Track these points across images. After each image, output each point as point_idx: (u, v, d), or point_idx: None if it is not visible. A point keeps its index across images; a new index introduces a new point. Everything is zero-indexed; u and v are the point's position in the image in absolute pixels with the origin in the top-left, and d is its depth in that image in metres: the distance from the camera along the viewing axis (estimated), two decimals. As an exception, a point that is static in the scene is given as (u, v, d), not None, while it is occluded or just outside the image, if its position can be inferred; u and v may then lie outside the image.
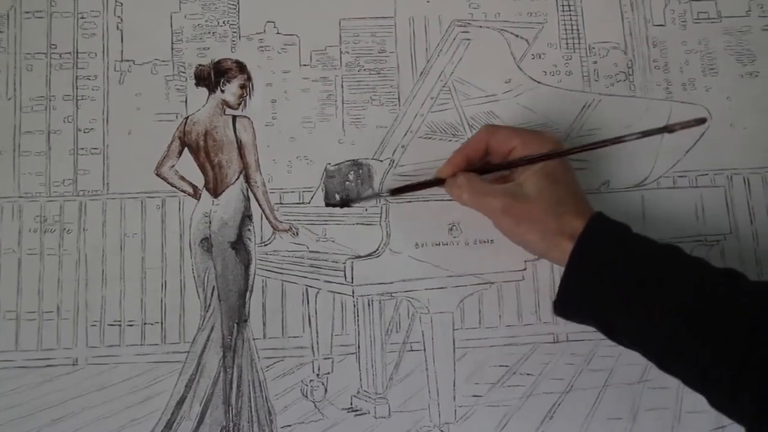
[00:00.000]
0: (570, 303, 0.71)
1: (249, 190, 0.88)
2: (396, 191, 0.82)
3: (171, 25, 0.91)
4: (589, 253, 0.68)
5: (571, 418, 0.82)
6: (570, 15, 0.92)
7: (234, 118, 0.88)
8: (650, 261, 0.67)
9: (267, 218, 0.88)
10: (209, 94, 0.89)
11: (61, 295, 0.84)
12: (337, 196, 0.88)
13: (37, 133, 0.88)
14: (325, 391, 0.83)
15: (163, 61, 0.90)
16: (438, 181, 0.80)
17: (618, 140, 0.70)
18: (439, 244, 0.83)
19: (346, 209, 0.87)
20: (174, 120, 0.88)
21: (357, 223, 0.86)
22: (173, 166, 0.87)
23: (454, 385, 0.82)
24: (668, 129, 0.65)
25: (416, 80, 0.89)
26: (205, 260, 0.86)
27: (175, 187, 0.87)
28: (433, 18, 0.91)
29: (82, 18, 0.90)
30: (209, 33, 0.90)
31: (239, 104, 0.89)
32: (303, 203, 0.88)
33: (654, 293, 0.64)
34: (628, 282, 0.66)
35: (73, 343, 0.84)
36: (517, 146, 0.75)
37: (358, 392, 0.83)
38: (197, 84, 0.89)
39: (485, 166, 0.78)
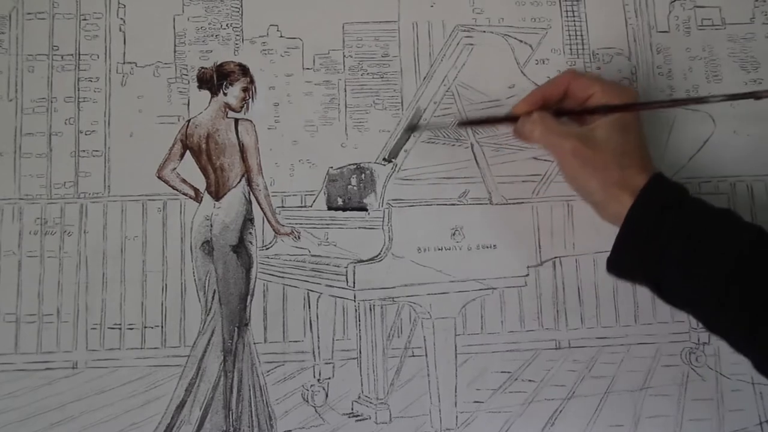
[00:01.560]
0: (624, 260, 0.71)
1: (251, 193, 0.87)
2: (465, 123, 0.82)
3: (174, 28, 0.90)
4: (648, 211, 0.69)
5: (572, 425, 0.81)
6: (574, 21, 0.92)
7: (236, 121, 0.88)
8: (705, 223, 0.67)
9: (269, 222, 0.87)
10: (212, 97, 0.89)
11: (61, 298, 0.84)
12: (340, 200, 0.88)
13: (38, 134, 0.88)
14: (326, 396, 0.82)
15: (166, 63, 0.89)
16: (511, 118, 0.80)
17: (701, 100, 0.70)
18: (442, 249, 0.82)
19: (348, 213, 0.87)
20: (176, 123, 0.88)
21: (359, 228, 0.86)
22: (175, 168, 0.87)
23: (455, 391, 0.82)
24: (756, 95, 0.66)
25: (419, 85, 0.89)
26: (206, 263, 0.86)
27: (177, 190, 0.87)
28: (436, 23, 0.91)
29: (85, 20, 0.90)
30: (212, 36, 0.90)
31: (242, 107, 0.88)
32: (305, 207, 0.88)
33: (707, 255, 0.66)
34: (682, 243, 0.67)
35: (72, 346, 0.83)
36: (597, 94, 0.76)
37: (359, 397, 0.82)
38: (200, 87, 0.89)
39: (560, 109, 0.79)
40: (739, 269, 0.64)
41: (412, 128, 0.85)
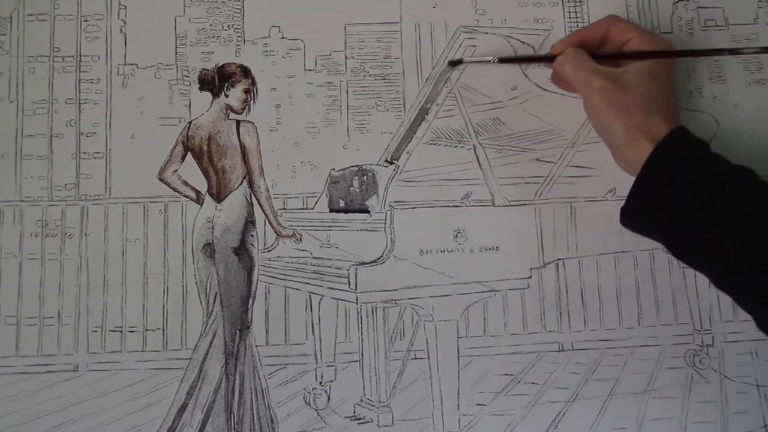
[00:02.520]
0: (638, 210, 0.72)
1: (252, 195, 0.87)
2: (505, 60, 0.84)
3: (175, 29, 0.90)
4: (667, 160, 0.70)
5: (576, 428, 0.81)
6: (576, 22, 0.92)
7: (238, 122, 0.88)
8: (723, 179, 0.68)
9: (270, 224, 0.87)
10: (213, 99, 0.88)
11: (62, 301, 0.84)
12: (342, 202, 0.88)
13: (39, 136, 0.87)
14: (328, 399, 0.82)
15: (167, 65, 0.89)
16: (548, 58, 0.83)
17: (736, 51, 0.72)
18: (444, 251, 0.82)
19: (350, 215, 0.87)
20: (177, 124, 0.88)
21: (361, 230, 0.85)
22: (176, 170, 0.87)
23: (458, 394, 0.81)
24: None
25: (422, 86, 0.89)
26: (208, 266, 0.86)
27: (178, 192, 0.86)
28: (438, 24, 0.91)
29: (86, 21, 0.90)
30: (213, 37, 0.90)
31: (243, 109, 0.88)
32: (307, 209, 0.88)
33: (723, 211, 0.66)
34: (699, 196, 0.67)
35: (73, 349, 0.83)
36: (634, 39, 0.78)
37: (362, 400, 0.82)
38: (201, 88, 0.88)
39: (596, 52, 0.80)
40: (751, 226, 0.65)
41: (455, 63, 0.86)
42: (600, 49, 0.81)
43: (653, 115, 0.72)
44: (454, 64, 0.86)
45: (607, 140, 0.77)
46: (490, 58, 0.85)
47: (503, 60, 0.85)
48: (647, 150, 0.70)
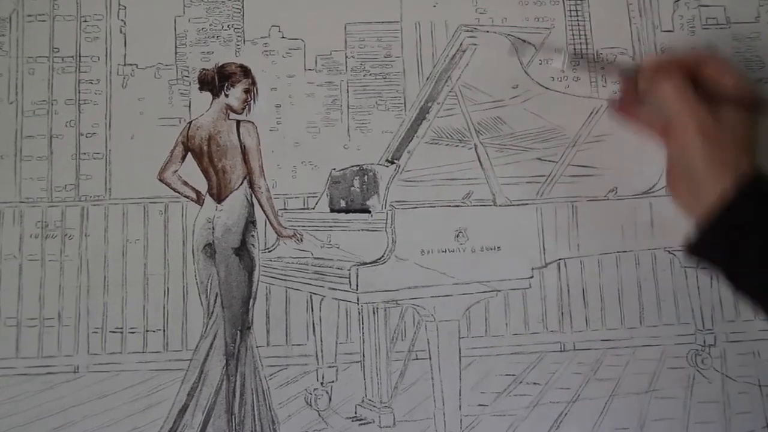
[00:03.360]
0: (711, 241, 0.70)
1: (253, 195, 0.87)
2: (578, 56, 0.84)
3: (175, 29, 0.90)
4: (748, 200, 0.68)
5: (577, 428, 0.81)
6: (578, 20, 0.91)
7: (238, 122, 0.88)
8: None
9: (271, 224, 0.87)
10: (213, 99, 0.88)
11: (62, 302, 0.84)
12: (343, 202, 0.87)
13: (38, 137, 0.87)
14: (330, 399, 0.82)
15: (167, 65, 0.89)
16: (632, 70, 0.80)
17: None
18: (445, 251, 0.82)
19: (351, 215, 0.87)
20: (177, 124, 0.87)
21: (362, 230, 0.85)
22: (176, 171, 0.87)
23: (459, 394, 0.81)
24: None
25: (422, 85, 0.89)
26: (209, 266, 0.86)
27: (178, 193, 0.86)
28: (439, 23, 0.91)
29: (85, 21, 0.90)
30: (213, 37, 0.90)
31: (243, 109, 0.88)
32: (307, 209, 0.88)
33: None
34: None
35: (74, 351, 0.83)
36: (729, 83, 0.75)
37: (363, 401, 0.82)
38: (201, 88, 0.88)
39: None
40: None
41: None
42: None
43: (743, 154, 0.71)
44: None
45: (683, 172, 0.74)
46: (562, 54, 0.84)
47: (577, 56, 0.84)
48: (726, 184, 0.68)
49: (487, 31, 0.89)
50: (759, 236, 0.67)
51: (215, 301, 0.84)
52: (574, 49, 0.90)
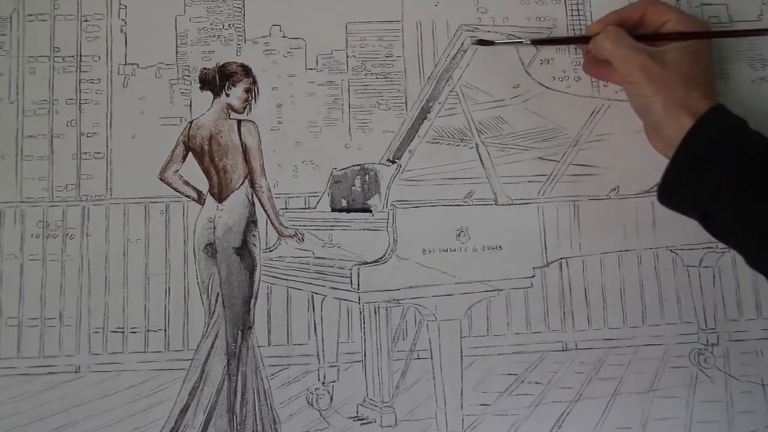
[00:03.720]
0: (676, 187, 0.72)
1: (254, 195, 0.87)
2: (539, 42, 0.86)
3: (175, 28, 0.90)
4: (706, 136, 0.69)
5: (580, 428, 0.81)
6: (579, 19, 0.91)
7: (239, 122, 0.87)
8: (762, 158, 0.68)
9: (272, 224, 0.87)
10: (214, 98, 0.88)
11: (63, 302, 0.84)
12: (344, 201, 0.87)
13: (39, 137, 0.87)
14: (331, 399, 0.82)
15: (168, 64, 0.89)
16: (583, 38, 0.84)
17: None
18: (447, 250, 0.82)
19: (352, 214, 0.86)
20: (178, 124, 0.87)
21: (363, 229, 0.85)
22: (177, 170, 0.86)
23: (461, 394, 0.81)
24: None
25: (423, 85, 0.88)
26: (210, 266, 0.85)
27: (179, 192, 0.86)
28: (440, 22, 0.90)
29: (86, 21, 0.90)
30: (214, 36, 0.90)
31: (244, 108, 0.88)
32: (309, 208, 0.88)
33: (763, 189, 0.66)
34: (739, 173, 0.67)
35: (75, 350, 0.83)
36: (671, 21, 0.79)
37: (364, 401, 0.82)
38: (202, 88, 0.88)
39: (634, 33, 0.79)
40: None
41: (484, 43, 0.86)
42: (636, 31, 0.81)
43: (693, 91, 0.72)
44: (484, 43, 0.85)
45: (645, 118, 0.78)
46: (523, 40, 0.85)
47: (536, 42, 0.86)
48: (687, 125, 0.70)
49: (489, 31, 0.89)
50: (721, 173, 0.68)
51: (216, 301, 0.84)
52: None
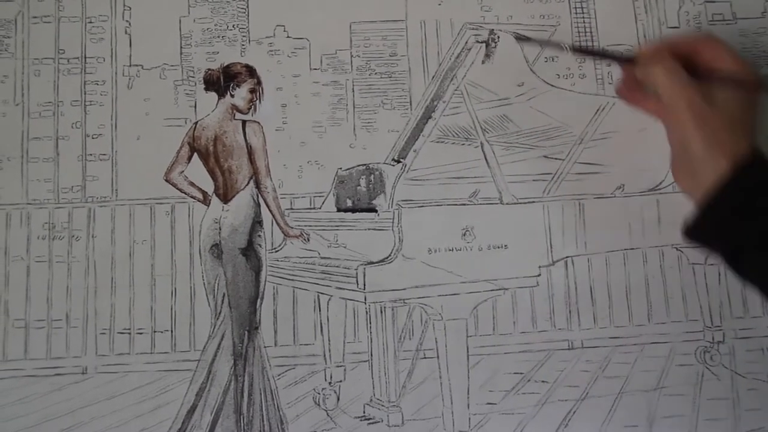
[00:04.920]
0: (707, 225, 0.70)
1: (259, 195, 0.87)
2: (579, 50, 0.85)
3: (180, 30, 0.90)
4: (746, 183, 0.68)
5: (586, 426, 0.81)
6: (583, 17, 0.91)
7: (244, 122, 0.87)
8: None
9: (278, 224, 0.87)
10: (219, 99, 0.88)
11: (70, 303, 0.84)
12: (349, 201, 0.87)
13: (45, 139, 0.87)
14: (338, 399, 0.82)
15: (172, 65, 0.89)
16: (628, 59, 0.80)
17: None
18: (452, 250, 0.82)
19: (357, 214, 0.86)
20: (183, 125, 0.87)
21: (369, 229, 0.85)
22: (183, 171, 0.87)
23: (468, 393, 0.81)
24: None
25: (428, 84, 0.88)
26: (216, 267, 0.86)
27: (185, 193, 0.86)
28: (444, 21, 0.90)
29: (90, 23, 0.90)
30: (218, 37, 0.90)
31: (249, 109, 0.88)
32: (314, 209, 0.88)
33: None
34: None
35: (82, 352, 0.83)
36: (727, 64, 0.76)
37: (371, 400, 0.82)
38: (206, 89, 0.88)
39: (687, 67, 0.77)
40: None
41: (521, 39, 0.85)
42: (686, 64, 0.77)
43: (738, 136, 0.71)
44: (521, 39, 0.85)
45: (681, 153, 0.75)
46: (563, 44, 0.84)
47: (577, 50, 0.85)
48: (724, 168, 0.68)
49: (493, 29, 0.89)
50: (754, 219, 0.67)
51: (223, 302, 0.84)
52: (578, 43, 0.89)
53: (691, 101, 0.73)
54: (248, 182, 0.87)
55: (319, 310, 0.84)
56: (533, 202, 0.85)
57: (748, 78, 0.75)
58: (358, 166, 0.87)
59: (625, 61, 0.81)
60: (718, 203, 0.69)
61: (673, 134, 0.76)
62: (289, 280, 0.85)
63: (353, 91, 0.89)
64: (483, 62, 0.85)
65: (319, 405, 0.81)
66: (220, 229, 0.86)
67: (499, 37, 0.85)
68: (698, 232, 0.72)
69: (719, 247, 0.70)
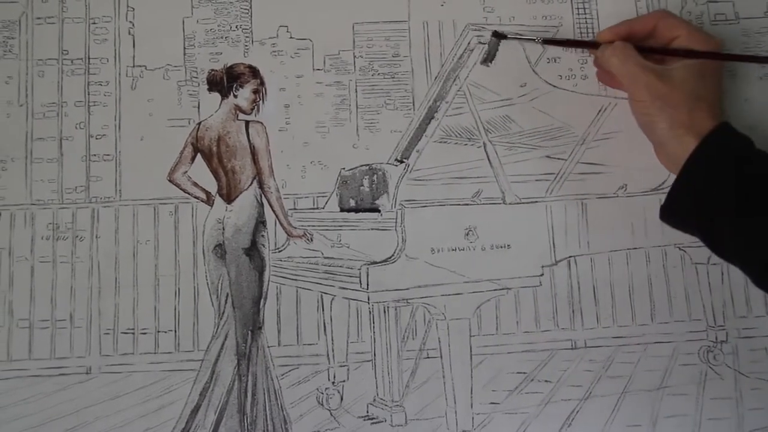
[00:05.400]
0: (680, 205, 0.71)
1: (263, 195, 0.87)
2: (549, 41, 0.85)
3: (183, 30, 0.90)
4: (710, 156, 0.69)
5: (589, 426, 0.81)
6: (585, 18, 0.91)
7: (247, 123, 0.88)
8: (766, 179, 0.67)
9: (281, 224, 0.87)
10: (222, 100, 0.88)
11: (74, 303, 0.84)
12: (352, 201, 0.88)
13: (49, 139, 0.87)
14: (341, 399, 0.82)
15: (176, 66, 0.89)
16: (593, 44, 0.83)
17: None
18: (455, 250, 0.82)
19: (360, 214, 0.87)
20: (186, 125, 0.88)
21: (372, 229, 0.85)
22: (186, 172, 0.87)
23: (471, 393, 0.81)
24: None
25: (431, 84, 0.89)
26: (219, 267, 0.86)
27: (188, 194, 0.86)
28: (447, 22, 0.91)
29: (94, 23, 0.90)
30: (222, 38, 0.90)
31: (252, 109, 0.88)
32: (317, 209, 0.88)
33: (765, 209, 0.66)
34: (742, 193, 0.67)
35: (86, 352, 0.83)
36: (682, 37, 0.78)
37: (375, 400, 0.82)
38: (210, 89, 0.88)
39: (643, 45, 0.79)
40: None
41: (499, 36, 0.86)
42: (646, 43, 0.81)
43: (698, 112, 0.72)
44: (499, 36, 0.85)
45: (651, 136, 0.77)
46: (535, 38, 0.84)
47: (547, 41, 0.85)
48: (691, 145, 0.70)
49: (495, 30, 0.89)
50: (726, 187, 0.68)
51: (226, 302, 0.85)
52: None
53: (648, 83, 0.74)
54: (251, 182, 0.87)
55: (323, 310, 0.84)
56: (536, 202, 0.85)
57: (705, 47, 0.77)
58: (361, 166, 0.87)
59: (591, 45, 0.84)
60: (687, 178, 0.70)
61: (639, 117, 0.78)
62: (293, 280, 0.85)
63: (356, 91, 0.89)
64: (488, 65, 0.85)
65: (322, 405, 0.81)
66: (223, 229, 0.86)
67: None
68: (674, 212, 0.72)
69: (696, 224, 0.70)
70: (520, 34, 0.88)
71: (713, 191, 0.68)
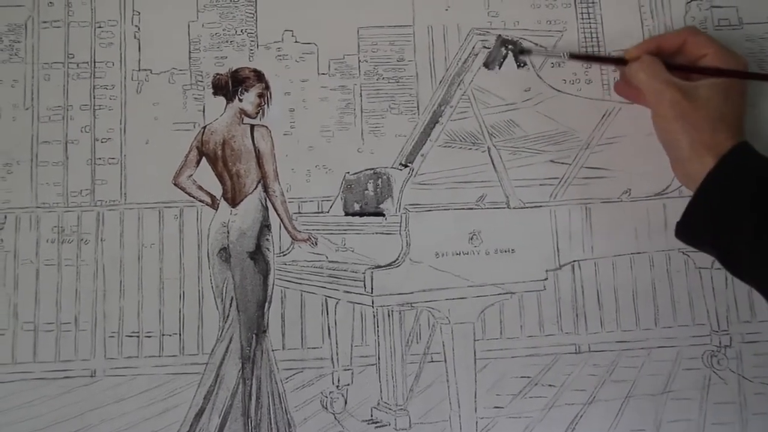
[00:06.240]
0: (695, 224, 0.72)
1: (267, 199, 0.87)
2: (576, 56, 0.85)
3: (188, 34, 0.90)
4: (728, 176, 0.69)
5: (593, 430, 0.81)
6: (590, 22, 0.91)
7: (252, 127, 0.88)
8: None
9: (286, 228, 0.87)
10: (227, 104, 0.88)
11: (78, 306, 0.84)
12: (357, 205, 0.88)
13: (54, 143, 0.88)
14: (345, 402, 0.82)
15: (181, 70, 0.89)
16: (621, 60, 0.82)
17: None
18: (460, 254, 0.82)
19: (365, 218, 0.87)
20: (192, 129, 0.88)
21: (376, 233, 0.85)
22: (191, 175, 0.87)
23: (475, 397, 0.81)
24: None
25: (435, 89, 0.89)
26: (224, 270, 0.86)
27: (193, 197, 0.87)
28: (451, 26, 0.91)
29: (100, 27, 0.90)
30: (227, 42, 0.90)
31: (257, 113, 0.88)
32: (322, 212, 0.88)
33: None
34: (761, 214, 0.66)
35: (91, 355, 0.83)
36: (710, 55, 0.78)
37: (379, 404, 0.82)
38: (215, 93, 0.88)
39: (671, 62, 0.79)
40: None
41: (523, 51, 0.85)
42: (674, 59, 0.80)
43: (720, 133, 0.72)
44: (523, 51, 0.85)
45: (671, 152, 0.77)
46: (562, 53, 0.84)
47: (574, 56, 0.85)
48: (710, 165, 0.70)
49: (499, 35, 0.89)
50: (743, 208, 0.67)
51: (231, 305, 0.85)
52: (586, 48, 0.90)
53: (673, 100, 0.74)
54: (256, 186, 0.87)
55: (327, 314, 0.85)
56: (540, 206, 0.86)
57: (732, 66, 0.76)
58: (366, 170, 0.88)
59: (618, 62, 0.84)
60: (705, 196, 0.70)
61: (661, 133, 0.78)
62: (297, 283, 0.85)
63: (361, 95, 0.90)
64: (497, 70, 0.85)
65: (326, 408, 0.81)
66: (228, 232, 0.87)
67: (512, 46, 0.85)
68: (689, 230, 0.72)
69: (712, 243, 0.70)
70: (525, 38, 0.88)
71: (730, 210, 0.68)
